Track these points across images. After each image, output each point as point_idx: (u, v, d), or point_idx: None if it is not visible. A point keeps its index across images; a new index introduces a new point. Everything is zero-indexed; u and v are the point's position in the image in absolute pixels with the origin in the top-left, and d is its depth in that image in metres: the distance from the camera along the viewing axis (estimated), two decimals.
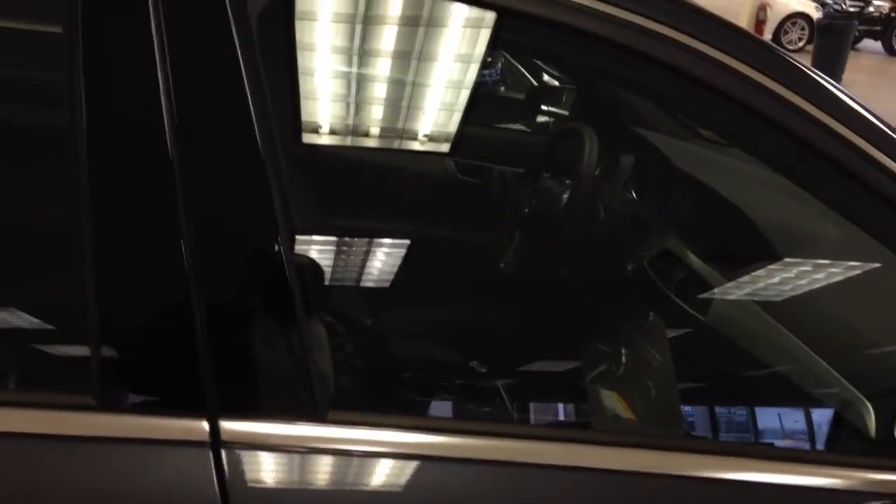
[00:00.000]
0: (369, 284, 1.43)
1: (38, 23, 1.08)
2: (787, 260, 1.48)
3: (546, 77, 2.56)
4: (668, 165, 1.69)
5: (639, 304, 1.51)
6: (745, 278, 1.51)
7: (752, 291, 1.51)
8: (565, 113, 2.29)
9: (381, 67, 1.33)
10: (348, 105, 1.32)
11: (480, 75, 1.38)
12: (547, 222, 1.71)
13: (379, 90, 1.37)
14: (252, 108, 0.90)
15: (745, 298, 1.51)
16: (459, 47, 1.29)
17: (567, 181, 1.72)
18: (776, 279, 1.48)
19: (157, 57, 0.88)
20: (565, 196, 1.69)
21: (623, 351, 1.41)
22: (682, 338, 1.47)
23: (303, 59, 1.14)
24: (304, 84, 1.17)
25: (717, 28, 1.11)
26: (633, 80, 1.21)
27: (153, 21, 0.88)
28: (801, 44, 13.95)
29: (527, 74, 2.68)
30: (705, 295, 1.50)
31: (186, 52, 0.90)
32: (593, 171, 1.66)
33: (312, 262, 1.20)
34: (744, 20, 12.63)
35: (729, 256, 1.54)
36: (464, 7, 1.06)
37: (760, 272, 1.48)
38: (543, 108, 2.36)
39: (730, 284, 1.52)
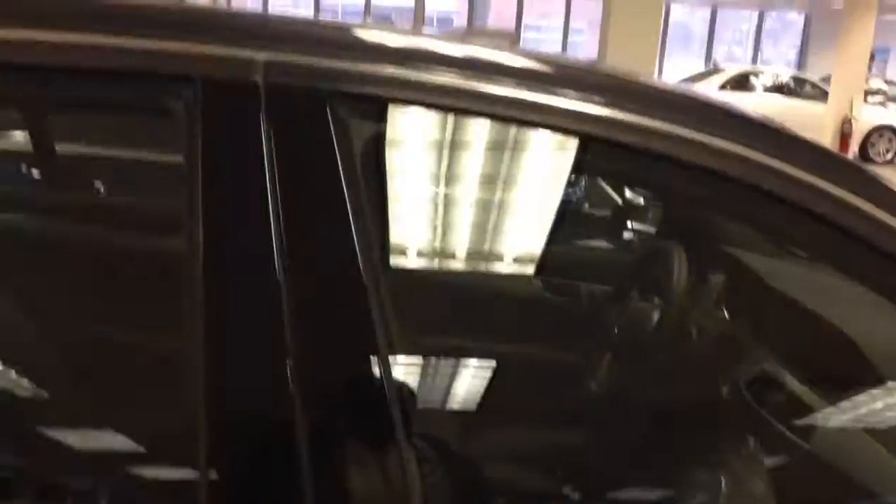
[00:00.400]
0: (457, 406, 1.42)
1: (160, 153, 1.16)
2: (890, 385, 1.42)
3: (630, 194, 2.58)
4: (762, 284, 1.66)
5: (736, 429, 1.46)
6: (849, 403, 1.44)
7: (857, 417, 1.44)
8: (652, 230, 2.29)
9: (469, 191, 1.36)
10: (436, 228, 1.35)
11: (565, 194, 1.40)
12: (637, 342, 1.68)
13: (466, 212, 1.40)
14: (355, 235, 0.94)
15: (850, 424, 1.44)
16: (545, 171, 1.31)
17: (657, 300, 1.70)
18: (881, 404, 1.42)
19: (268, 187, 0.93)
20: (656, 316, 1.67)
21: (721, 478, 1.36)
22: (784, 465, 1.41)
23: (395, 185, 1.18)
24: (396, 208, 1.21)
25: (805, 150, 1.11)
26: (723, 203, 1.21)
27: (266, 154, 0.94)
28: (889, 156, 13.72)
29: (610, 191, 2.70)
30: (807, 420, 1.44)
31: (295, 182, 0.95)
32: (684, 291, 1.64)
33: (406, 384, 1.21)
34: (828, 134, 12.53)
35: (831, 379, 1.48)
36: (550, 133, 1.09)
37: (864, 397, 1.42)
38: (629, 225, 2.36)
39: (833, 409, 1.46)
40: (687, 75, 15.61)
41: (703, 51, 24.60)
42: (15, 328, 1.20)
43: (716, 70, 15.44)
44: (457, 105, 1.04)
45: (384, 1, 26.56)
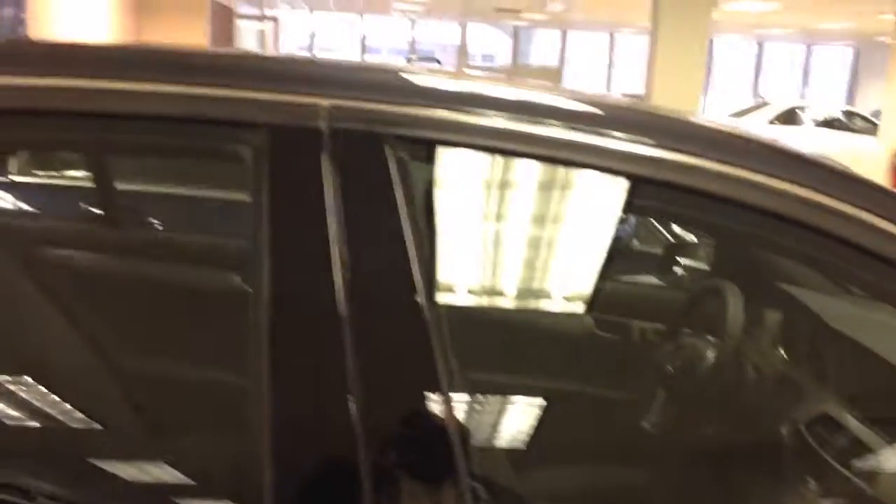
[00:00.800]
0: (509, 444, 1.42)
1: (228, 195, 1.19)
2: None
3: (680, 230, 2.56)
4: (822, 324, 1.64)
5: (796, 471, 1.43)
6: None
7: None
8: (705, 267, 2.27)
9: (521, 229, 1.37)
10: (490, 266, 1.36)
11: (616, 232, 1.40)
12: (693, 382, 1.66)
13: (519, 251, 1.41)
14: (414, 274, 0.96)
15: None
16: (596, 210, 1.32)
17: (711, 339, 1.68)
18: None
19: (331, 228, 0.96)
20: (711, 355, 1.65)
21: None
22: None
23: (452, 225, 1.20)
24: (453, 248, 1.22)
25: (861, 189, 1.11)
26: (780, 242, 1.21)
27: (329, 196, 0.97)
28: None
29: (660, 228, 2.69)
30: (871, 463, 1.40)
31: (357, 223, 0.97)
32: (740, 330, 1.62)
33: (463, 421, 1.21)
34: (881, 168, 12.32)
35: (894, 421, 1.44)
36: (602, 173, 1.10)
37: None
38: (681, 262, 2.34)
39: None
40: (734, 109, 15.50)
41: (750, 84, 24.44)
42: (88, 361, 1.24)
43: (763, 104, 15.31)
44: (508, 147, 1.06)
45: (429, 37, 26.92)
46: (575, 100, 1.15)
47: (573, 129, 1.06)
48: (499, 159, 1.11)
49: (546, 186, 1.21)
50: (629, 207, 1.34)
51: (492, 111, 1.05)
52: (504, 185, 1.19)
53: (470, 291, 1.28)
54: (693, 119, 1.35)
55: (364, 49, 24.70)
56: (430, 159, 1.10)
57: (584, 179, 1.18)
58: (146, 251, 1.40)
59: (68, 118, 1.03)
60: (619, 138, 1.06)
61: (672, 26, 6.41)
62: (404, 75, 1.12)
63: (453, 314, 1.16)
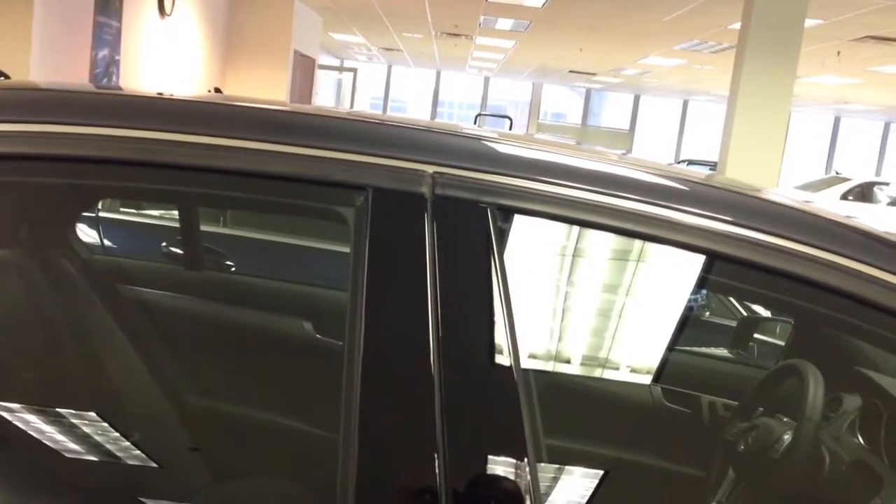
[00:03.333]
0: None
1: (331, 253, 1.24)
2: None
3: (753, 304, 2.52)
4: None
5: None
6: None
7: None
8: (779, 343, 2.24)
9: (604, 299, 1.39)
10: (572, 334, 1.37)
11: (693, 304, 1.40)
12: (766, 462, 1.63)
13: (600, 320, 1.42)
14: (508, 338, 0.98)
15: None
16: (674, 282, 1.33)
17: (787, 420, 1.66)
18: None
19: (429, 290, 0.99)
20: (786, 436, 1.62)
21: None
22: None
23: (541, 292, 1.22)
24: (543, 315, 1.25)
25: None
26: (862, 326, 1.20)
27: (428, 259, 1.00)
28: None
29: (733, 301, 2.66)
30: None
31: (454, 287, 1.00)
32: (819, 414, 1.59)
33: (542, 484, 1.22)
34: None
35: None
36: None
37: None
38: (755, 336, 2.31)
39: None
40: (807, 181, 15.24)
41: (825, 157, 24.02)
42: (179, 406, 1.28)
43: (838, 179, 15.03)
44: (604, 222, 1.08)
45: (501, 94, 27.18)
46: (679, 180, 1.18)
47: (673, 208, 1.08)
48: (594, 233, 1.13)
49: (633, 260, 1.24)
50: (707, 283, 1.34)
51: (592, 187, 1.08)
52: (593, 256, 1.21)
53: (554, 357, 1.30)
54: (774, 198, 1.36)
55: (437, 103, 25.08)
56: (527, 229, 1.13)
57: (668, 254, 1.20)
58: (241, 299, 1.45)
59: (183, 172, 1.09)
60: (698, 215, 1.08)
61: (752, 97, 6.38)
62: (507, 146, 1.16)
63: (537, 378, 1.18)
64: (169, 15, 8.97)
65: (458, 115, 27.46)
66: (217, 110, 1.20)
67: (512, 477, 0.97)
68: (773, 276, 1.09)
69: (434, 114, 24.38)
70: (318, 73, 14.93)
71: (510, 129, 12.65)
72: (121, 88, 2.38)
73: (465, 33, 13.82)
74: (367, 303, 1.00)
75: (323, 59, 16.86)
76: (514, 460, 0.98)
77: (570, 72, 18.44)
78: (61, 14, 6.69)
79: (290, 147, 1.06)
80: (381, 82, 24.68)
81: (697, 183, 1.28)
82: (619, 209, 1.08)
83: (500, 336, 1.00)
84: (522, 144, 1.20)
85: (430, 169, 1.05)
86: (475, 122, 14.05)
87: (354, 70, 19.15)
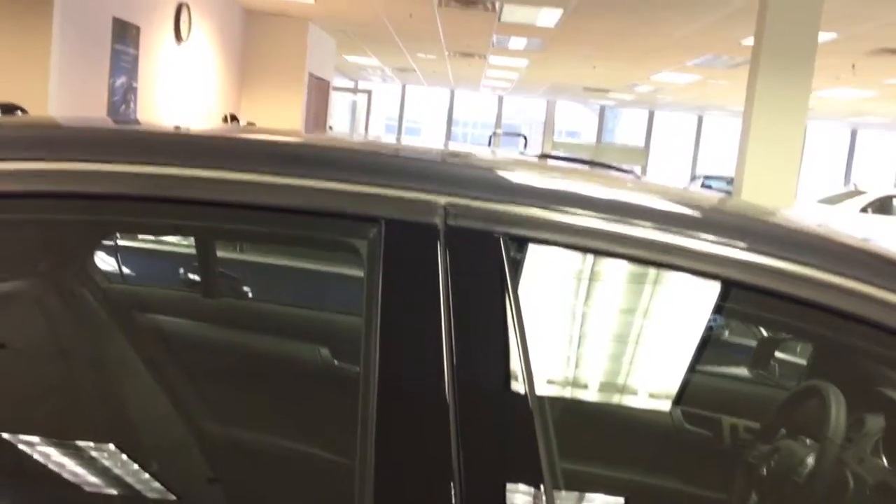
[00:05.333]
0: None
1: (343, 283, 1.24)
2: None
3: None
4: None
5: None
6: None
7: None
8: (800, 361, 2.21)
9: (620, 325, 1.38)
10: (587, 360, 1.37)
11: (703, 325, 1.40)
12: (789, 485, 1.62)
13: (616, 345, 1.42)
14: (521, 363, 0.98)
15: None
16: (689, 307, 1.32)
17: (809, 442, 1.64)
18: None
19: (442, 318, 0.99)
20: (809, 459, 1.60)
21: None
22: None
23: (554, 319, 1.22)
24: (556, 341, 1.24)
25: None
26: (884, 351, 1.19)
27: (441, 288, 1.00)
28: None
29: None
30: None
31: (467, 315, 1.00)
32: (842, 435, 1.57)
33: None
34: None
35: None
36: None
37: None
38: (775, 356, 2.29)
39: None
40: (825, 195, 15.16)
41: (842, 170, 23.90)
42: (199, 435, 1.28)
43: (856, 192, 14.94)
44: (618, 251, 1.08)
45: (515, 112, 27.28)
46: (692, 206, 1.17)
47: (687, 235, 1.08)
48: (607, 260, 1.13)
49: (647, 285, 1.23)
50: (724, 310, 1.34)
51: (605, 214, 1.08)
52: (607, 283, 1.21)
53: (569, 384, 1.29)
54: (789, 222, 1.35)
55: (451, 122, 25.20)
56: (540, 257, 1.13)
57: (683, 279, 1.19)
58: (257, 325, 1.46)
59: (197, 207, 1.10)
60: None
61: (767, 112, 6.36)
62: (519, 175, 1.17)
63: (553, 405, 1.17)
64: (185, 41, 9.07)
65: (472, 134, 27.58)
66: (230, 145, 1.21)
67: (527, 499, 0.97)
68: (789, 302, 1.08)
69: (448, 133, 24.50)
70: (333, 95, 15.04)
71: (525, 146, 12.67)
72: (136, 122, 2.40)
73: (478, 53, 13.89)
74: (382, 333, 1.00)
75: (337, 81, 17.00)
76: (530, 487, 0.98)
77: (585, 89, 18.49)
78: (79, 43, 6.78)
79: (302, 180, 1.07)
80: (396, 102, 24.83)
81: (711, 209, 1.27)
82: (632, 237, 1.07)
83: (515, 364, 1.00)
84: (534, 172, 1.20)
85: (443, 200, 1.05)
86: (489, 142, 14.09)
87: (369, 92, 19.30)
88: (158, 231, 1.40)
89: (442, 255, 1.02)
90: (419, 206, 1.05)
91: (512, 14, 9.49)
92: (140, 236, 1.53)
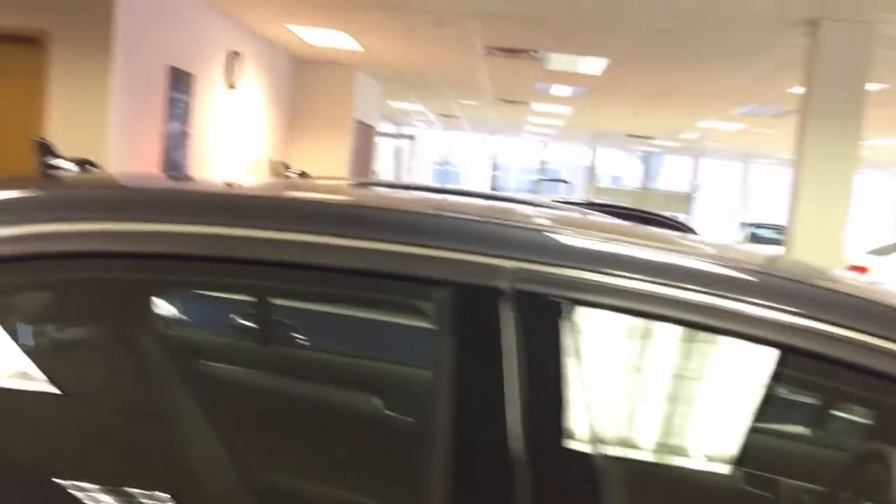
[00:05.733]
0: None
1: (410, 344, 1.26)
2: None
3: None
4: None
5: None
6: None
7: None
8: (862, 421, 2.17)
9: (679, 388, 1.39)
10: (648, 421, 1.37)
11: (763, 392, 1.40)
12: None
13: (676, 407, 1.41)
14: (581, 425, 1.00)
15: None
16: (741, 371, 1.33)
17: None
18: None
19: (507, 380, 1.01)
20: None
21: None
22: None
23: (613, 382, 1.23)
24: (614, 402, 1.25)
25: None
26: None
27: (506, 351, 1.02)
28: None
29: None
30: None
31: (532, 377, 1.02)
32: None
33: None
34: None
35: None
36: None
37: None
38: (835, 416, 2.25)
39: None
40: (874, 246, 14.89)
41: (893, 220, 23.49)
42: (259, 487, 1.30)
43: None
44: (685, 318, 1.09)
45: (558, 157, 27.35)
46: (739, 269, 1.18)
47: (743, 301, 1.09)
48: (673, 327, 1.14)
49: (709, 346, 1.24)
50: (781, 377, 1.34)
51: (674, 282, 1.09)
52: (670, 347, 1.22)
53: (635, 446, 1.29)
54: (842, 287, 1.34)
55: (494, 167, 25.37)
56: (605, 321, 1.14)
57: (739, 344, 1.19)
58: (314, 374, 1.48)
59: (261, 268, 1.13)
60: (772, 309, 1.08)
61: (817, 163, 6.31)
62: (585, 241, 1.18)
63: (619, 466, 1.17)
64: (235, 88, 9.30)
65: (514, 179, 27.70)
66: (294, 206, 1.24)
67: None
68: (849, 369, 1.08)
69: (492, 179, 24.62)
70: (378, 141, 15.24)
71: (568, 191, 12.68)
72: (192, 180, 2.46)
73: (521, 100, 14.02)
74: (453, 395, 1.01)
75: (381, 126, 17.25)
76: None
77: (628, 135, 18.51)
78: (137, 91, 7.00)
79: (369, 243, 1.09)
80: (439, 147, 25.09)
81: (768, 274, 1.27)
82: (698, 304, 1.08)
83: (582, 426, 1.01)
84: (597, 236, 1.22)
85: (510, 264, 1.07)
86: (535, 186, 14.15)
87: (412, 136, 19.51)
88: (227, 290, 1.43)
89: (509, 317, 1.04)
90: (486, 269, 1.07)
91: (557, 62, 9.58)
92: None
